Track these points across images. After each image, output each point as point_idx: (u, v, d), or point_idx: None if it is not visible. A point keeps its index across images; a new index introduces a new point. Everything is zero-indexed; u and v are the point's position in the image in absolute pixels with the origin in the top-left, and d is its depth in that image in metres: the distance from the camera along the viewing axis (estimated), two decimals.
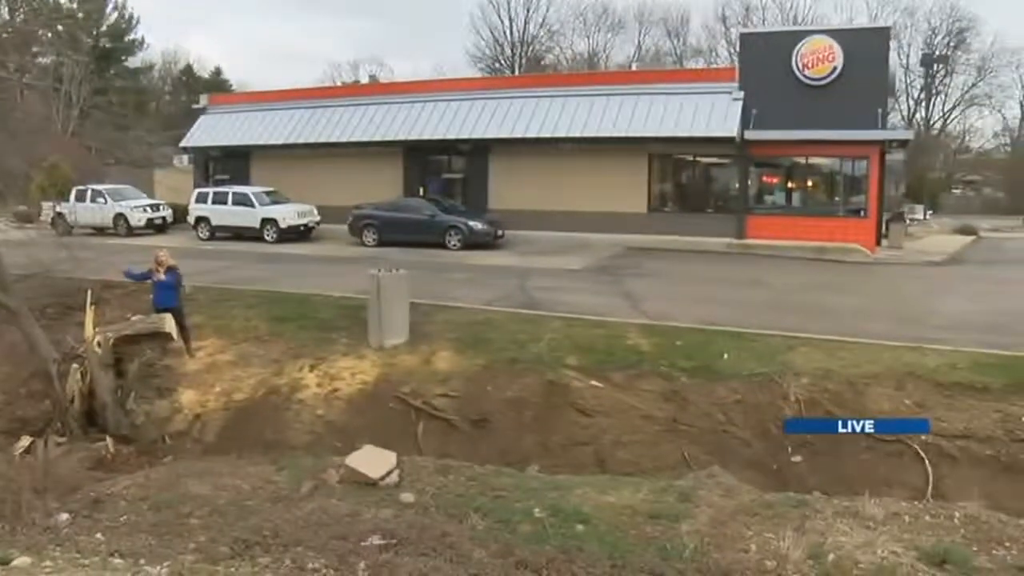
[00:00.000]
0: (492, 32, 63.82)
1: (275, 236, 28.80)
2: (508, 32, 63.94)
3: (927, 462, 10.80)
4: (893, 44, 34.45)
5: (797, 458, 11.26)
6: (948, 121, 63.29)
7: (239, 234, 29.28)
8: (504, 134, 29.47)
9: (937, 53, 59.30)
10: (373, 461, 9.95)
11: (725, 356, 12.84)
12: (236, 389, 14.26)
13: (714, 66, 53.21)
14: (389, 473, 9.71)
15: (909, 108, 60.21)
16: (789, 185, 29.35)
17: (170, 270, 14.79)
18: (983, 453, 10.76)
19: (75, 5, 43.32)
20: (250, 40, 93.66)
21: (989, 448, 10.76)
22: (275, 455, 11.39)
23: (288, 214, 29.27)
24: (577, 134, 28.51)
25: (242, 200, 29.61)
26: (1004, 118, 64.27)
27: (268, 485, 9.56)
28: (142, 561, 7.22)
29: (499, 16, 63.27)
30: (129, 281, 16.16)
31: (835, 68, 27.64)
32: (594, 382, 12.71)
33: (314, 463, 10.33)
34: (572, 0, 75.21)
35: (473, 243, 26.31)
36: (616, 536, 7.98)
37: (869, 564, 7.00)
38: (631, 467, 11.37)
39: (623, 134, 27.99)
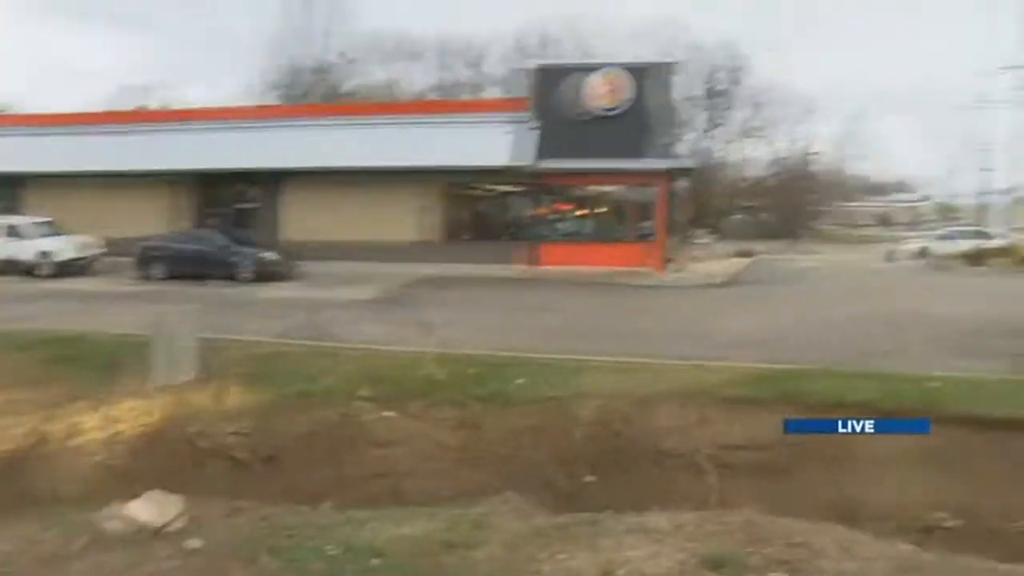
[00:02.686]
0: (289, 59, 62.62)
1: (51, 270, 26.96)
2: (305, 60, 62.92)
3: (711, 473, 11.23)
4: (679, 78, 36.38)
5: (590, 478, 11.47)
6: (729, 151, 67.60)
7: (9, 268, 27.17)
8: (298, 163, 29.00)
9: (718, 88, 63.36)
10: (155, 507, 9.38)
11: (519, 382, 12.97)
12: None
13: (510, 96, 54.34)
14: (174, 519, 9.18)
15: (694, 139, 63.76)
16: (581, 213, 30.37)
17: None
18: (759, 460, 11.31)
19: None
20: (29, 58, 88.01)
21: (764, 455, 11.32)
22: (45, 510, 10.54)
23: (65, 246, 27.51)
24: (372, 164, 28.38)
25: (13, 232, 27.46)
26: (775, 149, 69.56)
27: (34, 546, 8.79)
28: None
29: (296, 43, 62.21)
30: None
31: (625, 100, 28.82)
32: (388, 413, 12.54)
33: (88, 516, 9.60)
34: (371, 29, 75.36)
35: (266, 275, 25.64)
36: (411, 568, 7.85)
37: (657, 575, 7.20)
38: (427, 497, 11.23)
39: (418, 164, 28.14)
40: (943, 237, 47.41)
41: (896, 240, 51.61)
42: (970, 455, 10.68)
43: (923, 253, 44.08)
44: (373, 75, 66.01)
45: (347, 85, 64.42)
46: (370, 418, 12.50)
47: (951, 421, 11.00)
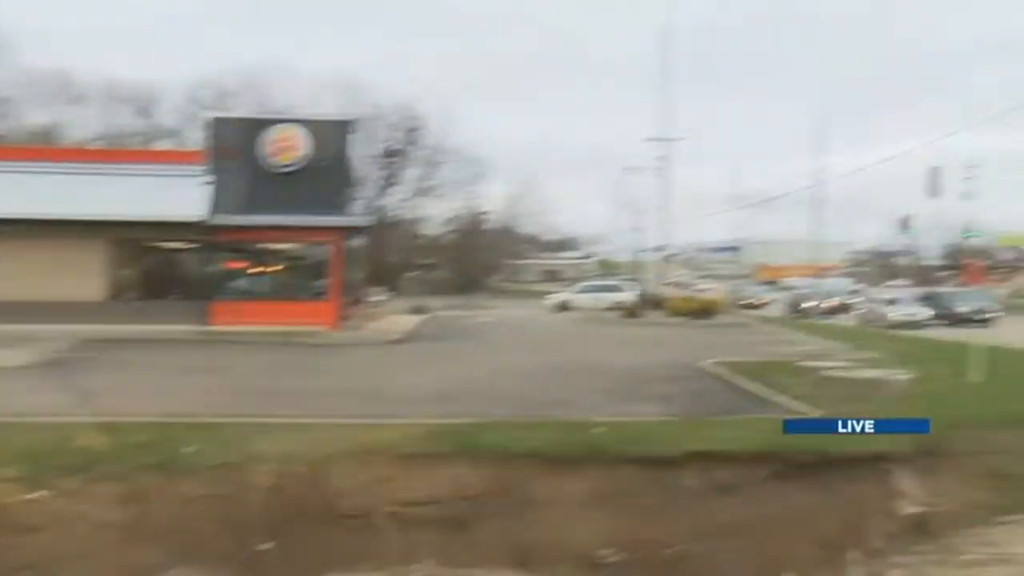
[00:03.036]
0: None
1: None
2: None
3: (390, 530, 11.34)
4: (357, 136, 36.84)
5: (267, 545, 11.15)
6: (406, 209, 69.45)
7: None
8: None
9: (396, 147, 65.12)
10: None
11: (189, 449, 12.35)
12: None
13: (183, 148, 52.41)
14: None
15: (373, 196, 64.84)
16: (256, 270, 29.83)
17: None
18: (439, 514, 11.57)
19: None
20: None
21: (443, 509, 11.61)
22: None
23: None
24: (27, 214, 26.01)
25: None
26: (450, 208, 72.75)
27: None
28: None
29: None
30: None
31: (302, 156, 28.82)
32: (37, 493, 11.37)
33: None
34: (28, 66, 69.40)
35: None
36: None
37: None
38: None
39: (80, 216, 26.17)
40: (584, 290, 52.00)
41: (550, 295, 55.36)
42: (631, 492, 11.66)
43: (564, 306, 48.08)
44: (31, 117, 60.69)
45: None
46: (14, 501, 11.26)
47: (614, 462, 11.94)
